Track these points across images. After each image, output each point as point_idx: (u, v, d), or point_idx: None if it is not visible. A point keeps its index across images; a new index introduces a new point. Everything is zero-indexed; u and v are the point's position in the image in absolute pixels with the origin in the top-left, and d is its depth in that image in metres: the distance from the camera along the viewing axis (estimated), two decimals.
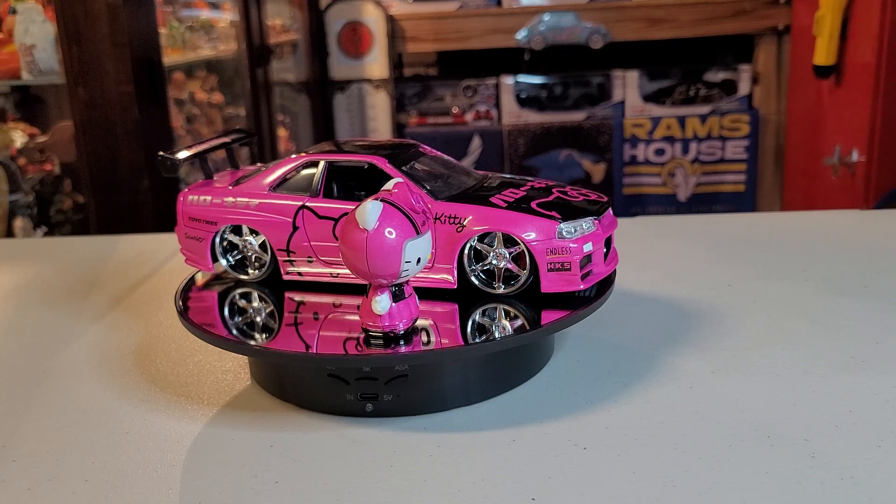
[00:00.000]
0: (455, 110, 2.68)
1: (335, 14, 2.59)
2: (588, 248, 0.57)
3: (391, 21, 2.57)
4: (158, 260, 0.94)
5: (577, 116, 2.63)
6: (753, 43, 2.57)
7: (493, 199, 0.59)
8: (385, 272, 0.52)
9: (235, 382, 0.62)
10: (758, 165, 2.63)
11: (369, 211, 0.51)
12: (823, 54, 2.01)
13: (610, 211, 0.62)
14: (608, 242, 0.62)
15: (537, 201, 0.59)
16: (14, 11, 1.61)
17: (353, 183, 0.64)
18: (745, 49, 2.60)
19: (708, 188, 2.64)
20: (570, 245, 0.57)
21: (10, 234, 1.74)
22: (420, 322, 0.57)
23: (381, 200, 0.52)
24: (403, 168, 0.62)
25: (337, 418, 0.55)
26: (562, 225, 0.57)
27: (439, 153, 0.67)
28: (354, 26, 2.59)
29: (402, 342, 0.54)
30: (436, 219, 0.58)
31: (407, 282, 0.55)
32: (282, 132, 2.46)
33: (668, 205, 2.66)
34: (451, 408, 0.56)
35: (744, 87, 2.59)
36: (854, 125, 1.96)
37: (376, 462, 0.50)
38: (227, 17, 2.26)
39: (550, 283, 0.57)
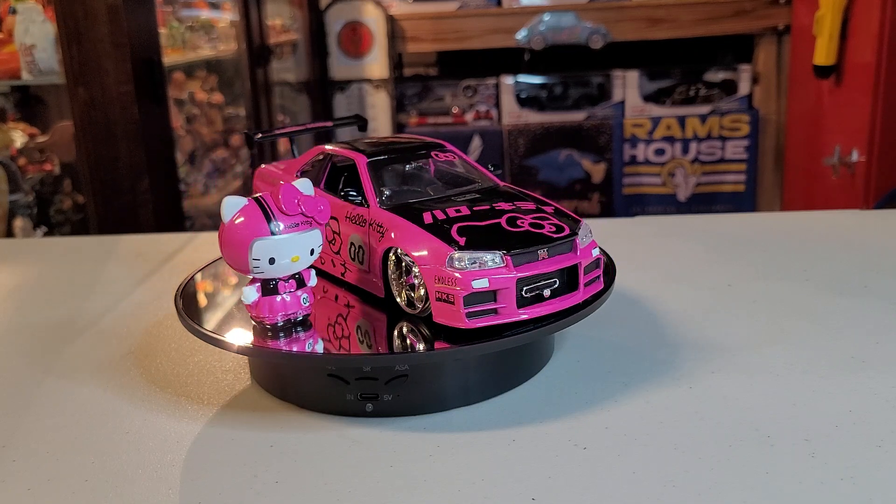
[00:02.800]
0: (455, 110, 2.68)
1: (335, 14, 2.59)
2: (480, 284, 0.52)
3: (391, 21, 2.57)
4: (158, 260, 0.94)
5: (577, 116, 2.63)
6: (753, 43, 2.57)
7: (425, 214, 0.56)
8: (235, 265, 0.55)
9: (235, 382, 0.62)
10: (758, 165, 2.63)
11: (224, 205, 0.54)
12: (823, 54, 2.01)
13: (577, 243, 0.56)
14: (573, 277, 0.56)
15: (466, 224, 0.55)
16: (14, 11, 1.61)
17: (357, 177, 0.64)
18: (745, 49, 2.60)
19: (708, 188, 2.64)
20: (457, 276, 0.52)
21: (10, 234, 1.74)
22: (362, 326, 0.57)
23: (253, 198, 0.54)
24: (388, 168, 0.62)
25: (337, 418, 0.55)
26: (454, 254, 0.53)
27: (460, 157, 0.66)
28: (354, 26, 2.59)
29: (280, 334, 0.56)
30: (369, 225, 0.59)
31: (289, 279, 0.56)
32: None
33: (668, 205, 2.66)
34: (451, 408, 0.56)
35: (744, 87, 2.59)
36: (854, 125, 1.96)
37: (376, 462, 0.50)
38: (227, 17, 2.26)
39: (439, 313, 0.54)
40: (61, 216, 1.80)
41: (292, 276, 0.56)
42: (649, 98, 2.63)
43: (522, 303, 0.54)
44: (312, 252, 0.55)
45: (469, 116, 2.66)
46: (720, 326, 0.68)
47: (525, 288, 0.54)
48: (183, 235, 1.06)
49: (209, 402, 0.59)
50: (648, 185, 2.65)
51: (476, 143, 2.62)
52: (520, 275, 0.53)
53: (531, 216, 0.57)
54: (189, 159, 2.04)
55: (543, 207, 0.59)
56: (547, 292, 0.55)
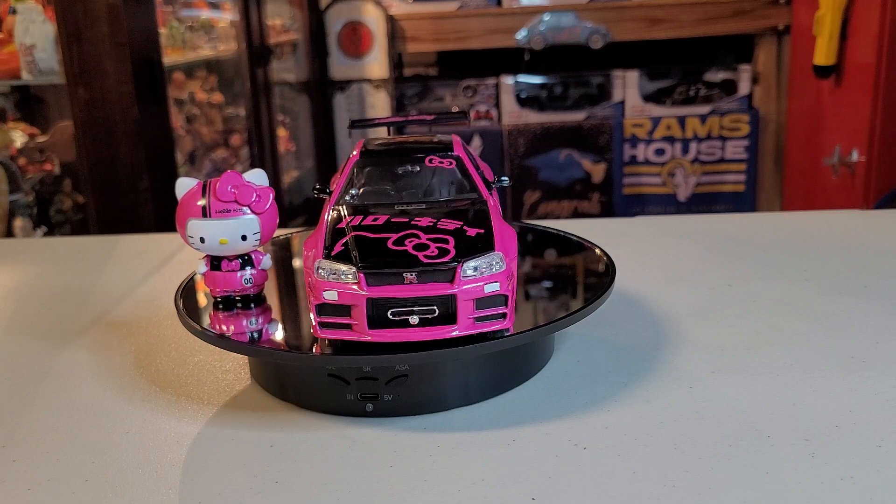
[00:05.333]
0: (455, 110, 2.68)
1: (335, 14, 2.59)
2: (330, 296, 0.51)
3: (391, 21, 2.57)
4: (158, 260, 0.94)
5: (577, 116, 2.63)
6: (753, 43, 2.58)
7: (348, 219, 0.56)
8: (183, 239, 0.60)
9: (235, 382, 0.62)
10: (758, 165, 2.63)
11: (177, 185, 0.59)
12: (823, 54, 2.01)
13: (457, 272, 0.51)
14: (449, 309, 0.51)
15: (362, 234, 0.54)
16: (14, 11, 1.61)
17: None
18: (745, 49, 2.60)
19: (708, 188, 2.64)
20: (316, 284, 0.52)
21: (10, 234, 1.74)
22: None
23: (203, 182, 0.59)
24: (378, 168, 0.62)
25: (337, 418, 0.55)
26: (320, 262, 0.52)
27: (462, 164, 0.63)
28: (354, 26, 2.59)
29: (237, 306, 0.61)
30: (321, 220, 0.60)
31: (234, 258, 0.60)
32: (282, 132, 2.46)
33: (668, 205, 2.66)
34: (451, 408, 0.56)
35: (744, 87, 2.59)
36: (854, 125, 1.96)
37: (376, 462, 0.50)
38: (227, 17, 2.26)
39: (312, 317, 0.54)
40: (61, 216, 1.81)
41: (238, 256, 0.60)
42: (649, 98, 2.63)
43: (384, 324, 0.51)
44: (245, 238, 0.58)
45: (469, 116, 2.66)
46: (720, 326, 0.68)
47: (392, 310, 0.51)
48: None
49: (209, 402, 0.59)
50: (648, 185, 2.65)
51: (476, 143, 2.62)
52: (372, 294, 0.51)
53: (430, 236, 0.53)
54: (189, 159, 2.04)
55: (467, 229, 0.55)
56: (414, 319, 0.51)
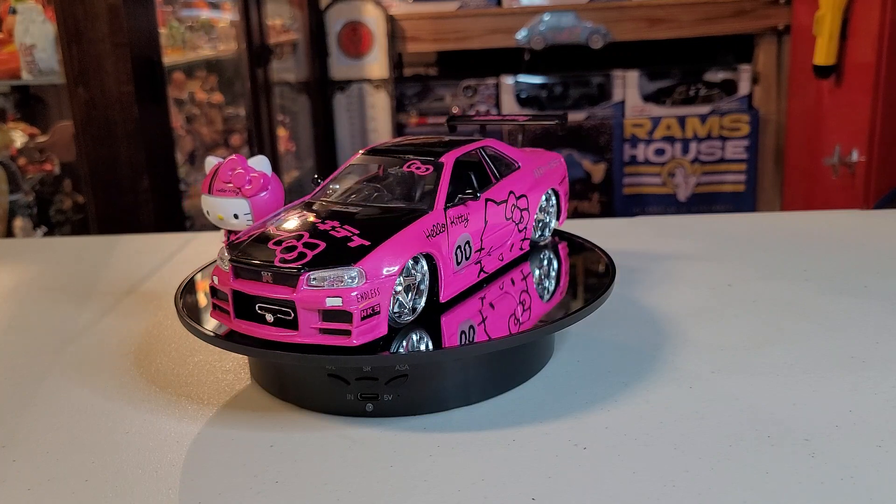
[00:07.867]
0: (455, 110, 2.68)
1: (335, 14, 2.59)
2: (214, 280, 0.55)
3: (391, 21, 2.56)
4: (158, 260, 0.94)
5: (577, 116, 2.63)
6: (753, 43, 2.58)
7: (284, 213, 0.59)
8: None
9: (235, 382, 0.62)
10: (758, 165, 2.63)
11: (206, 162, 0.65)
12: (823, 54, 2.01)
13: (301, 280, 0.51)
14: (294, 314, 0.52)
15: (271, 229, 0.56)
16: (14, 11, 1.61)
17: None
18: (745, 49, 2.60)
19: (708, 188, 2.64)
20: (215, 269, 0.56)
21: (10, 234, 1.74)
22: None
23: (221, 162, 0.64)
24: (359, 167, 0.64)
25: (337, 418, 0.55)
26: (224, 251, 0.56)
27: (438, 173, 0.60)
28: (354, 26, 2.59)
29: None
30: None
31: (235, 233, 0.63)
32: (282, 132, 2.46)
33: (668, 205, 2.66)
34: (451, 408, 0.56)
35: (744, 87, 2.59)
36: (854, 125, 1.96)
37: (376, 462, 0.50)
38: (227, 17, 2.26)
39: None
40: (61, 216, 1.80)
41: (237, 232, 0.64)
42: (649, 98, 2.63)
43: (249, 317, 0.53)
44: (237, 217, 0.63)
45: None
46: (721, 326, 0.68)
47: (259, 304, 0.53)
48: (183, 235, 1.06)
49: (209, 402, 0.59)
50: (648, 185, 2.65)
51: None
52: (234, 286, 0.54)
53: (310, 240, 0.53)
54: (189, 159, 2.04)
55: (356, 238, 0.53)
56: (269, 317, 0.53)
